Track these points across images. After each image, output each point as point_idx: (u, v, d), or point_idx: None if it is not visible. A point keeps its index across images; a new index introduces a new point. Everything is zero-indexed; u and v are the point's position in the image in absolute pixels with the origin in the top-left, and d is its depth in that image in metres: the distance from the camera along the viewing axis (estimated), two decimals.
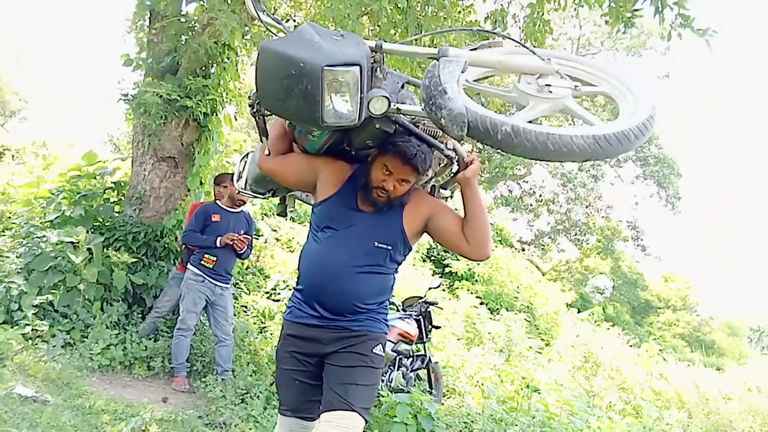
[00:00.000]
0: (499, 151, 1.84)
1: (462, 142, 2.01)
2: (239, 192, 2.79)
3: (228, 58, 5.61)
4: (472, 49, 2.07)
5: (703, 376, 7.90)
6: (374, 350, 2.07)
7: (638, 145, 1.73)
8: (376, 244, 2.06)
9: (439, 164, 2.25)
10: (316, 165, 2.16)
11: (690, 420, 6.31)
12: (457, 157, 2.02)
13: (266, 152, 2.17)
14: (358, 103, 1.63)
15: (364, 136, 1.97)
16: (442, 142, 2.01)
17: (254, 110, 1.97)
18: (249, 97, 1.95)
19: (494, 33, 2.24)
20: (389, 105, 1.71)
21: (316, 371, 2.10)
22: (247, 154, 2.69)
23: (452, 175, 2.13)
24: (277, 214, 2.78)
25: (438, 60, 1.71)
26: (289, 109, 1.66)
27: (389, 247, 2.08)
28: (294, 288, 2.20)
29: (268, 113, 1.96)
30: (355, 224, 2.07)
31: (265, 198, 2.75)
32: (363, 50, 1.65)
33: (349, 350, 2.05)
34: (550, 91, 1.84)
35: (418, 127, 1.98)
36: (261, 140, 2.21)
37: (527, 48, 2.01)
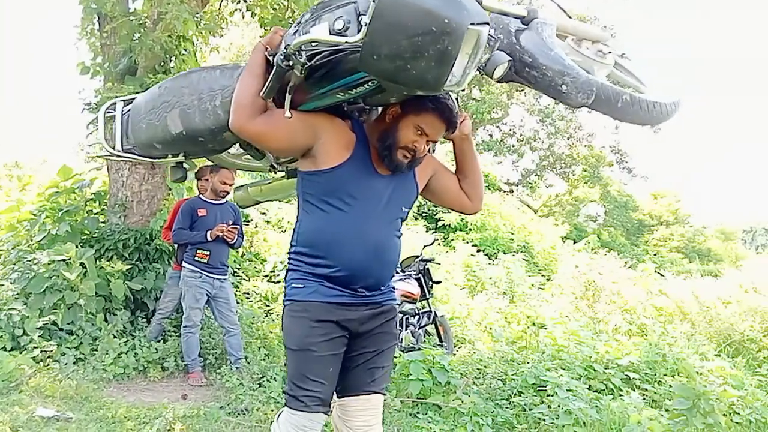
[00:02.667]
0: (614, 118, 1.72)
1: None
2: (110, 155, 2.33)
3: (185, 50, 5.51)
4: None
5: (701, 285, 8.09)
6: (396, 328, 2.06)
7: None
8: (403, 209, 1.97)
9: None
10: (314, 125, 1.83)
11: (693, 329, 6.50)
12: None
13: (248, 110, 1.75)
14: (474, 65, 1.47)
15: (391, 94, 1.77)
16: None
17: (289, 63, 1.57)
18: (286, 47, 1.57)
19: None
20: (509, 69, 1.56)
21: (343, 352, 1.93)
22: (112, 105, 2.33)
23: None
24: (174, 181, 2.48)
25: (527, 23, 1.61)
26: (411, 70, 1.41)
27: (408, 210, 2.02)
28: (305, 265, 1.90)
29: (314, 70, 1.59)
30: (379, 190, 1.89)
31: (152, 161, 2.35)
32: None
33: (380, 331, 1.97)
34: (605, 56, 1.86)
35: None
36: (277, 101, 1.80)
37: (567, 14, 1.94)
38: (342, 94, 1.73)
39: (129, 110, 2.25)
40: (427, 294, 5.55)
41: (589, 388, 4.19)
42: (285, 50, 1.55)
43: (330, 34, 1.50)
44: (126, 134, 2.26)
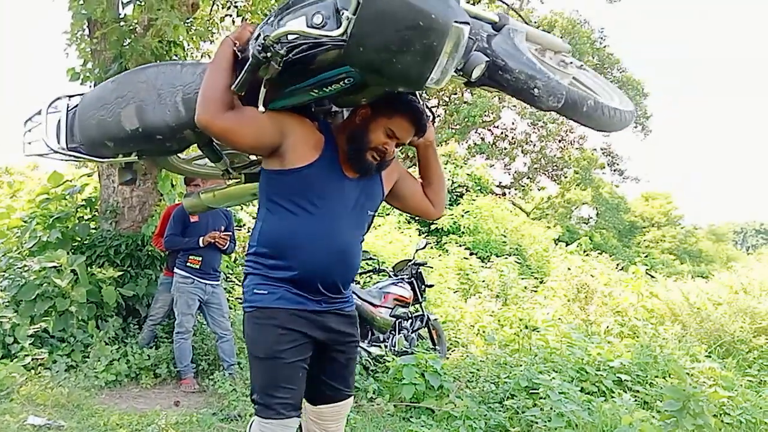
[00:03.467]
0: (579, 122, 1.78)
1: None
2: (52, 153, 2.13)
3: (176, 55, 5.50)
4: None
5: (692, 286, 8.15)
6: (358, 331, 2.07)
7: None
8: (369, 212, 1.97)
9: None
10: (283, 123, 1.78)
11: (684, 331, 6.55)
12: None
13: (216, 105, 1.68)
14: (453, 64, 1.49)
15: (363, 95, 1.78)
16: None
17: (267, 54, 1.53)
18: (264, 38, 1.52)
19: (511, 8, 2.04)
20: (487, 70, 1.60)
21: (310, 356, 1.92)
22: (56, 101, 2.19)
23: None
24: (122, 183, 2.32)
25: (499, 28, 1.65)
26: (397, 63, 1.43)
27: (373, 214, 2.02)
28: (264, 268, 1.86)
29: (301, 62, 1.57)
30: (346, 193, 1.87)
31: (100, 161, 2.17)
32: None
33: (348, 340, 1.98)
34: (567, 65, 1.90)
35: None
36: (243, 99, 1.74)
37: (525, 21, 1.98)
38: (315, 91, 1.71)
39: (75, 107, 2.11)
40: (419, 298, 5.56)
41: (581, 390, 4.21)
42: (263, 41, 1.52)
43: (308, 28, 1.50)
44: (71, 132, 2.09)
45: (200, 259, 4.47)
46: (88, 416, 3.64)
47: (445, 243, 12.08)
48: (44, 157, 2.20)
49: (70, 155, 2.11)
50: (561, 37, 20.64)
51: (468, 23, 1.45)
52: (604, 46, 21.93)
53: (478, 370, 4.67)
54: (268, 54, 1.51)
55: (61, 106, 2.15)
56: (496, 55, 1.60)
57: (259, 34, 1.65)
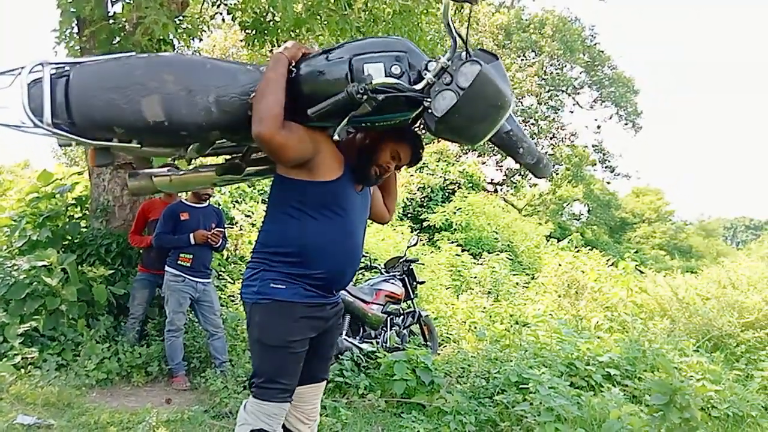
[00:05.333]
0: (532, 173, 2.22)
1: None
2: (31, 126, 1.85)
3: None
4: None
5: (681, 282, 8.22)
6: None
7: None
8: (367, 222, 2.27)
9: None
10: (317, 140, 2.00)
11: (673, 325, 6.61)
12: None
13: (276, 121, 1.82)
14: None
15: (383, 125, 2.03)
16: None
17: (364, 97, 1.75)
18: (368, 84, 1.76)
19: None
20: None
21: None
22: (38, 67, 1.89)
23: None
24: (99, 165, 2.06)
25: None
26: (474, 129, 1.86)
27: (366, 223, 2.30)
28: (285, 266, 2.02)
29: (394, 114, 1.91)
30: (357, 204, 2.15)
31: (84, 141, 1.95)
32: None
33: (335, 324, 2.23)
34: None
35: None
36: (330, 127, 1.98)
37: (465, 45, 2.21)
38: (368, 124, 2.00)
39: (64, 77, 1.90)
40: (411, 294, 5.59)
41: (570, 385, 4.24)
42: (366, 86, 1.75)
43: (386, 76, 1.80)
44: (58, 105, 1.87)
45: (191, 257, 4.47)
46: (79, 415, 3.63)
47: (437, 240, 12.11)
48: (11, 128, 1.91)
49: (52, 132, 1.87)
50: (552, 35, 20.72)
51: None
52: (595, 44, 22.03)
53: (468, 365, 4.70)
54: (365, 97, 1.76)
55: (44, 75, 1.88)
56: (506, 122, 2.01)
57: (335, 70, 1.87)
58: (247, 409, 2.07)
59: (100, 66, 1.97)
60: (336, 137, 1.91)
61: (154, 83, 1.87)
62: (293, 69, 1.93)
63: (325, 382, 2.28)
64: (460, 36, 1.81)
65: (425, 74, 1.80)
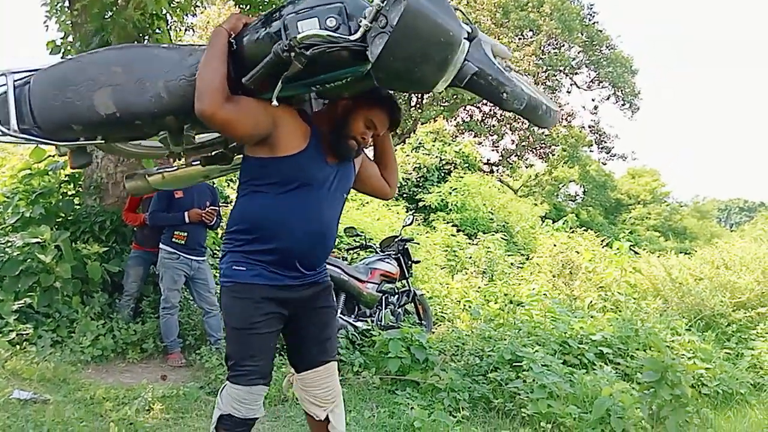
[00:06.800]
0: (531, 122, 2.05)
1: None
2: (1, 134, 1.93)
3: (159, 29, 5.40)
4: None
5: (675, 262, 8.27)
6: (333, 299, 2.27)
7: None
8: (344, 195, 2.13)
9: None
10: (274, 113, 1.87)
11: (666, 305, 6.67)
12: None
13: (218, 96, 1.76)
14: (455, 72, 1.72)
15: (348, 90, 1.92)
16: None
17: (291, 54, 1.64)
18: (290, 39, 1.64)
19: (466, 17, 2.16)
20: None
21: (281, 328, 2.08)
22: (0, 77, 1.96)
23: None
24: (77, 167, 2.15)
25: (471, 39, 1.82)
26: (417, 72, 1.67)
27: (346, 196, 2.17)
28: (244, 244, 1.99)
29: (324, 62, 1.69)
30: (328, 178, 2.02)
31: (55, 144, 2.06)
32: None
33: (321, 305, 2.13)
34: (510, 70, 2.10)
35: None
36: (268, 90, 1.80)
37: (474, 27, 2.15)
38: (317, 87, 1.85)
39: (25, 84, 1.97)
40: (406, 273, 5.61)
41: (563, 363, 4.29)
42: (289, 42, 1.64)
43: (321, 29, 1.65)
44: (22, 112, 1.95)
45: (185, 234, 4.46)
46: (74, 390, 3.65)
47: (433, 220, 12.12)
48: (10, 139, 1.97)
49: (21, 138, 1.95)
50: (550, 14, 20.53)
51: (468, 37, 1.69)
52: (594, 23, 21.84)
53: (463, 343, 4.74)
54: (292, 54, 1.64)
55: (8, 84, 1.96)
56: (472, 61, 1.80)
57: (261, 35, 1.77)
58: (222, 393, 2.05)
59: (56, 68, 2.02)
60: (274, 102, 1.78)
61: (103, 77, 1.89)
62: (234, 41, 1.83)
63: (328, 364, 2.14)
64: None
65: (360, 21, 1.64)
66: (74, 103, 1.90)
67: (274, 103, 1.78)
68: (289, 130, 1.93)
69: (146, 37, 5.36)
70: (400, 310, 5.53)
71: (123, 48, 2.07)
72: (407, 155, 14.63)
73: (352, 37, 1.65)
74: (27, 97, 1.95)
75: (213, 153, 2.30)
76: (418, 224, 10.94)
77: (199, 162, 2.35)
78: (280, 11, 1.76)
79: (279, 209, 1.95)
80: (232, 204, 2.11)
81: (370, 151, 2.35)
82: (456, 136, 19.98)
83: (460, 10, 1.76)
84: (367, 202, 11.27)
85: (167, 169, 2.50)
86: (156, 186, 2.56)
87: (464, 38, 1.66)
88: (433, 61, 1.65)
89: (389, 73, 1.69)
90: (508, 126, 21.33)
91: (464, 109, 21.32)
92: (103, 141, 2.05)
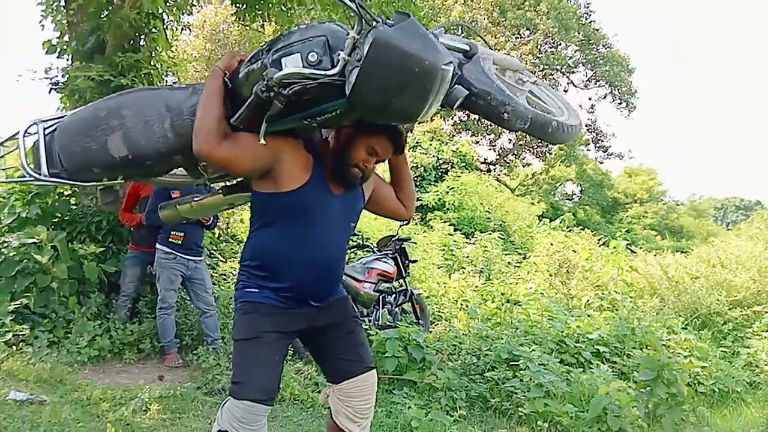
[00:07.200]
0: (542, 140, 2.02)
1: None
2: (34, 180, 2.15)
3: (155, 28, 5.39)
4: None
5: (671, 261, 8.29)
6: (353, 308, 2.23)
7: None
8: (351, 224, 2.10)
9: None
10: (275, 147, 1.88)
11: (662, 303, 6.68)
12: None
13: (213, 136, 1.80)
14: (440, 99, 1.68)
15: (347, 119, 1.90)
16: None
17: (270, 94, 1.66)
18: (268, 80, 1.64)
19: (470, 28, 2.13)
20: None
21: (293, 340, 2.10)
22: (32, 126, 2.18)
23: None
24: (106, 204, 2.31)
25: (470, 57, 1.79)
26: (395, 104, 1.61)
27: (355, 225, 2.15)
28: (257, 278, 2.00)
29: (300, 103, 1.70)
30: (333, 209, 2.00)
31: (83, 185, 2.27)
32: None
33: (341, 318, 2.12)
34: (523, 83, 2.06)
35: None
36: (256, 129, 1.82)
37: (488, 45, 2.12)
38: (308, 120, 1.84)
39: (53, 131, 2.16)
40: (403, 273, 5.61)
41: (560, 362, 4.31)
42: (267, 83, 1.64)
43: (303, 66, 1.65)
44: (52, 157, 2.14)
45: (182, 234, 4.45)
46: (71, 391, 3.64)
47: (430, 219, 12.12)
48: (17, 182, 2.25)
49: (52, 181, 2.16)
50: (547, 13, 20.54)
51: (452, 62, 1.62)
52: (590, 22, 21.87)
53: (460, 343, 4.75)
54: (272, 94, 1.65)
55: (37, 130, 2.16)
56: (469, 82, 1.77)
57: (249, 72, 1.79)
58: (222, 408, 1.99)
59: (76, 115, 2.16)
60: (261, 141, 1.79)
61: (115, 121, 2.01)
62: (230, 80, 1.87)
63: (370, 372, 2.11)
64: (354, 2, 1.58)
65: (338, 55, 1.63)
66: (92, 148, 2.03)
67: (262, 141, 1.79)
68: (290, 164, 1.92)
69: (142, 37, 5.36)
70: (397, 309, 5.53)
71: (133, 92, 2.15)
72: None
73: (329, 72, 1.64)
74: (55, 143, 2.12)
75: (235, 182, 2.34)
76: (416, 223, 10.95)
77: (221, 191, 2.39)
78: (269, 46, 1.77)
79: (285, 247, 1.96)
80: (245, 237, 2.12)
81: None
82: (453, 135, 19.99)
83: (464, 25, 1.71)
84: None
85: (195, 199, 2.57)
86: (185, 214, 2.63)
87: (446, 64, 1.58)
88: (411, 91, 1.60)
89: (366, 106, 1.66)
90: None
91: (461, 109, 21.30)
92: (123, 180, 2.17)
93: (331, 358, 2.11)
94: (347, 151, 1.95)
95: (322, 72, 1.64)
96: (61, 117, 2.20)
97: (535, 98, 2.06)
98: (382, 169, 2.83)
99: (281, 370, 2.02)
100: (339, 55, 1.62)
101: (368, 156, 1.96)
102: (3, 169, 2.28)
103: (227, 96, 1.86)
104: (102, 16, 5.08)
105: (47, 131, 2.16)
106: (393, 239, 5.71)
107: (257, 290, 1.99)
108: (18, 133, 2.19)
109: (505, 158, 22.41)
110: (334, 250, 2.05)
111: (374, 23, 1.59)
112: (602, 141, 23.24)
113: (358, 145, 1.94)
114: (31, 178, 2.13)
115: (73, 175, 2.14)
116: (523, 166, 23.37)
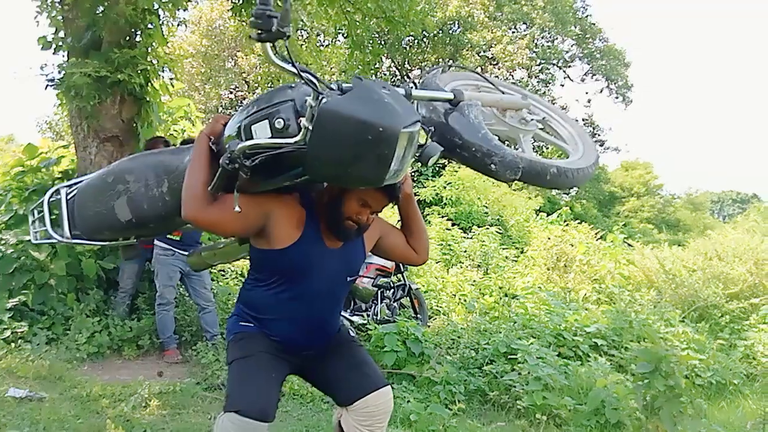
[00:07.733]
0: (542, 188, 1.89)
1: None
2: (58, 242, 2.35)
3: (151, 24, 5.37)
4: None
5: (668, 254, 8.31)
6: (349, 333, 2.20)
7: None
8: (348, 279, 2.05)
9: None
10: (264, 206, 1.85)
11: (659, 296, 6.71)
12: None
13: (199, 202, 1.77)
14: (409, 159, 1.61)
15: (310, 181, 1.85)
16: None
17: (235, 165, 1.61)
18: (230, 152, 1.60)
19: (468, 69, 2.08)
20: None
21: (289, 371, 2.03)
22: (56, 191, 2.35)
23: None
24: (127, 259, 2.43)
25: (455, 104, 1.71)
26: (353, 173, 1.53)
27: (353, 279, 2.11)
28: (252, 320, 1.99)
29: (262, 172, 1.64)
30: (328, 265, 1.94)
31: (102, 245, 2.41)
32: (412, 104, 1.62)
33: (336, 344, 2.08)
34: (528, 123, 2.01)
35: None
36: (232, 193, 1.78)
37: (491, 82, 2.08)
38: (288, 182, 1.79)
39: (74, 194, 2.28)
40: (401, 268, 5.62)
41: (558, 355, 4.32)
42: (230, 155, 1.60)
43: (271, 132, 1.60)
44: (73, 220, 2.26)
45: (180, 231, 4.45)
46: (70, 387, 3.65)
47: (428, 214, 12.12)
48: (42, 242, 2.51)
49: (75, 242, 2.30)
50: (543, 7, 20.49)
51: (418, 120, 1.55)
52: (587, 16, 21.86)
53: (458, 337, 4.76)
54: (236, 165, 1.60)
55: (61, 196, 2.31)
56: (454, 132, 1.69)
57: (223, 130, 1.78)
58: (217, 423, 1.88)
59: (89, 182, 2.27)
60: (236, 209, 1.74)
61: (120, 186, 2.08)
62: (216, 144, 1.82)
63: (385, 389, 2.01)
64: (308, 72, 1.50)
65: (300, 120, 1.55)
66: (102, 212, 2.13)
67: (237, 209, 1.73)
68: (282, 222, 1.87)
69: (138, 33, 5.34)
70: (395, 304, 5.54)
71: (139, 156, 2.21)
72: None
73: (291, 141, 1.56)
74: (74, 207, 2.26)
75: None
76: None
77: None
78: (245, 108, 1.73)
79: (278, 306, 1.94)
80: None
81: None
82: None
83: (459, 66, 1.65)
84: None
85: (218, 246, 2.61)
86: (209, 261, 2.65)
87: (407, 126, 1.49)
88: (368, 159, 1.49)
89: (323, 176, 1.61)
90: None
91: None
92: (135, 240, 2.28)
93: (337, 380, 2.04)
94: (339, 204, 1.88)
95: (284, 141, 1.57)
96: (78, 181, 2.34)
97: (546, 134, 2.01)
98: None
99: (277, 390, 1.91)
100: (301, 121, 1.55)
101: (361, 208, 1.88)
102: (35, 232, 2.48)
103: (214, 161, 1.78)
104: (97, 12, 5.06)
105: (69, 196, 2.29)
106: None
107: (251, 324, 1.99)
108: (41, 200, 2.40)
109: None
110: (327, 307, 2.02)
111: (325, 91, 1.50)
112: (599, 135, 23.28)
113: (350, 197, 1.87)
114: (56, 240, 2.31)
115: (90, 237, 2.26)
116: None
